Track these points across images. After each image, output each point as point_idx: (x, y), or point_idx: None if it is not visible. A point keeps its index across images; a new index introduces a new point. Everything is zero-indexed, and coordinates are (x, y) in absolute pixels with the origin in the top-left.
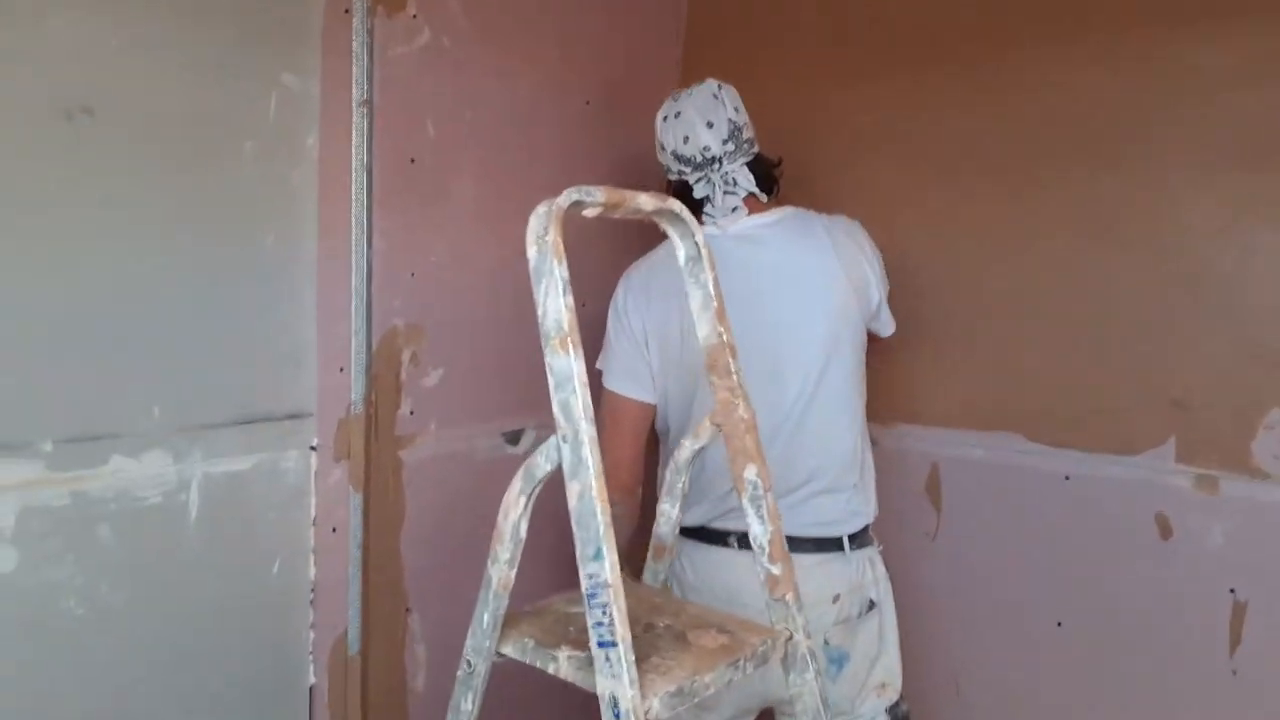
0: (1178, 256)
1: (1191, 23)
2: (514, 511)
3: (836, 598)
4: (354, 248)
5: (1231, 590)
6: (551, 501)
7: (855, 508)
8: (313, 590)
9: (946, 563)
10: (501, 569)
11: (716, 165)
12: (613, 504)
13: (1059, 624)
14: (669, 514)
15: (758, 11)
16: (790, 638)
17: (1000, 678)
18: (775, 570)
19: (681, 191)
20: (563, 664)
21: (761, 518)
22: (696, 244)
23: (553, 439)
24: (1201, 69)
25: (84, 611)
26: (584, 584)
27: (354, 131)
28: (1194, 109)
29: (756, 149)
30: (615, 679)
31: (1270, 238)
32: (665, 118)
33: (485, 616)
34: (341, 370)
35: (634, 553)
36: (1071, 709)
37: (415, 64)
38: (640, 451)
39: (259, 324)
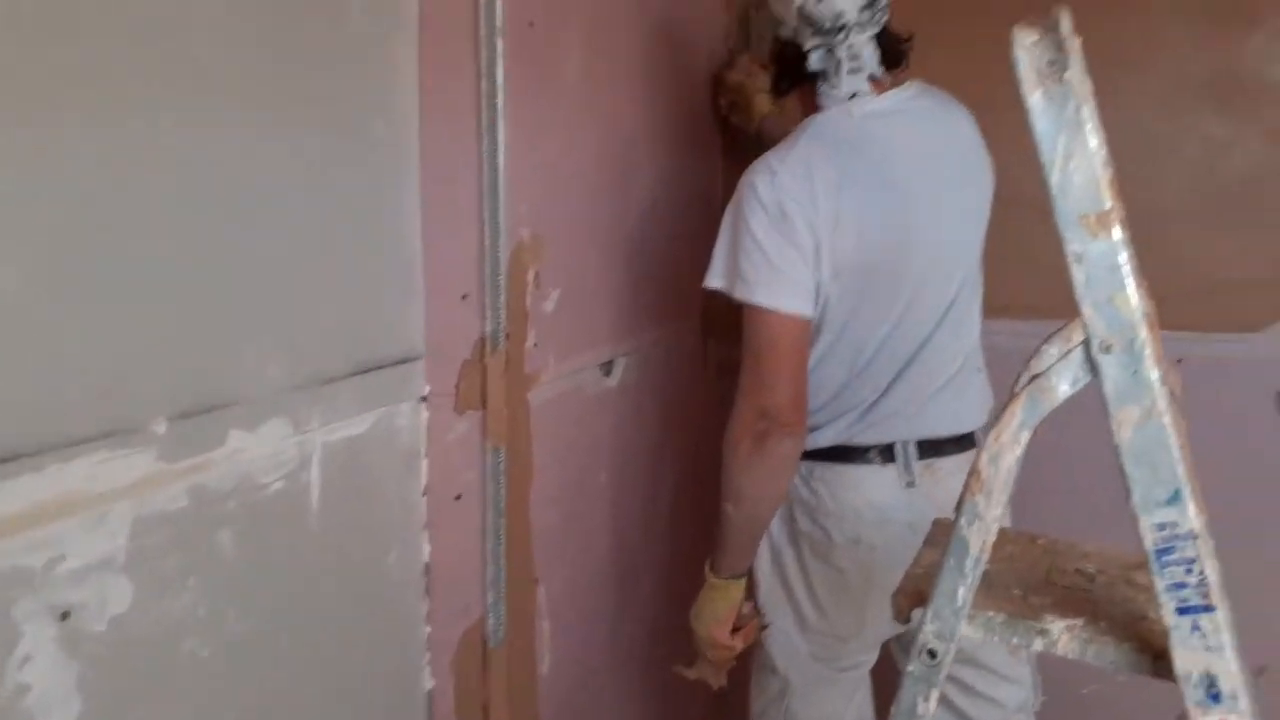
0: None
1: None
2: (1009, 453)
3: None
4: (483, 138)
5: None
6: None
7: (987, 397)
8: (426, 574)
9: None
10: (986, 529)
11: (842, 36)
12: (784, 447)
13: None
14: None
15: None
16: None
17: None
18: None
19: (789, 57)
20: (1058, 638)
21: None
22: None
23: (1073, 354)
24: None
25: (209, 654)
26: (1148, 538)
27: None
28: None
29: (888, 16)
30: (1213, 651)
31: None
32: None
33: (960, 591)
34: (465, 298)
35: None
36: None
37: None
38: (806, 384)
39: (370, 243)
